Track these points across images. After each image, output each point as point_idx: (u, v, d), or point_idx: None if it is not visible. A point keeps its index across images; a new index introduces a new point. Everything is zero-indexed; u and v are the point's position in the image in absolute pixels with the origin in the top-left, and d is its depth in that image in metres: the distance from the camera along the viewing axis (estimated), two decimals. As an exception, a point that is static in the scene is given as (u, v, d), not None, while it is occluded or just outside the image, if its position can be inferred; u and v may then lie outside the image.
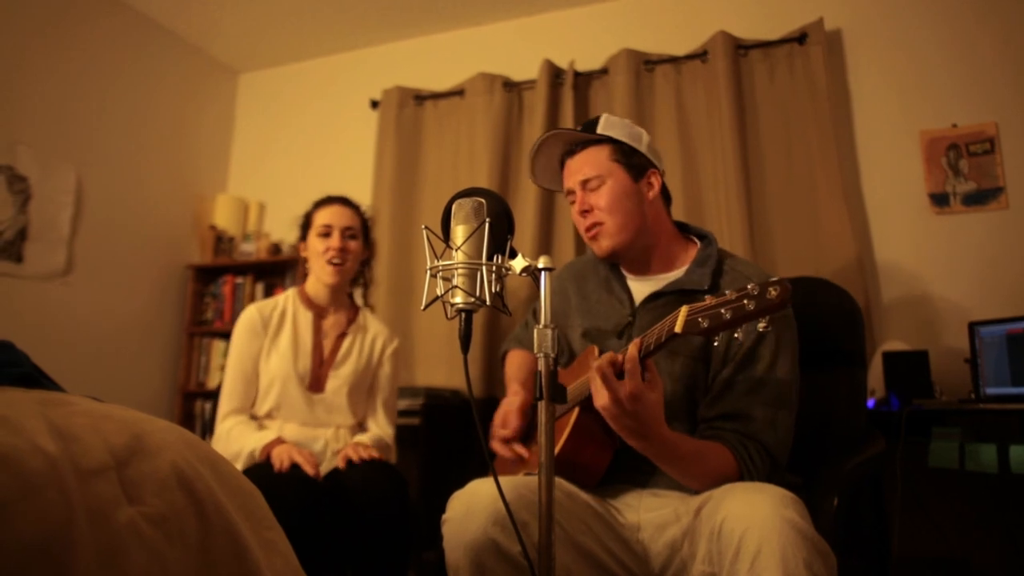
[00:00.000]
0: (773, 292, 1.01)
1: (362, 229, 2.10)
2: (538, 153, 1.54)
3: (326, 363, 2.02)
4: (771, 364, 1.35)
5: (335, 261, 2.01)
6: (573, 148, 1.51)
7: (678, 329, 1.12)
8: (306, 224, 2.10)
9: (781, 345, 1.37)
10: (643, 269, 1.53)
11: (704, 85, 2.80)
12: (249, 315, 2.03)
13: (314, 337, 2.03)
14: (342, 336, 2.07)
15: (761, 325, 1.03)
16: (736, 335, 1.07)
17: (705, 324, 1.08)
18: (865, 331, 1.81)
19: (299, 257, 2.16)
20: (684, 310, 1.13)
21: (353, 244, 2.05)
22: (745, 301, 1.03)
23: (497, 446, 1.55)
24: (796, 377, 1.39)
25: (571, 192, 1.52)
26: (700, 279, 1.44)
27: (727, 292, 1.07)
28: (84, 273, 2.97)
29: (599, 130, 1.48)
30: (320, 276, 2.04)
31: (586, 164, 1.48)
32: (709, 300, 1.09)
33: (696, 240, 1.56)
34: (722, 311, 1.06)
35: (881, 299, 2.52)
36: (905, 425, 1.98)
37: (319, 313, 2.07)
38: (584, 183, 1.48)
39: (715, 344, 1.16)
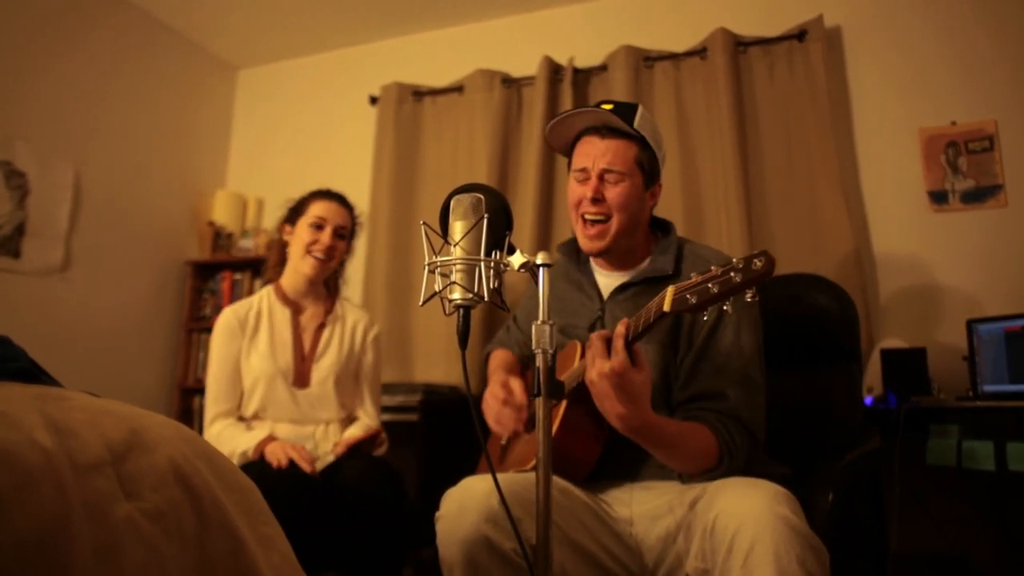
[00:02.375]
0: (758, 263, 1.02)
1: (351, 231, 2.09)
2: (564, 118, 1.47)
3: (308, 357, 2.01)
4: (734, 342, 1.37)
5: (318, 255, 2.00)
6: (604, 131, 1.45)
7: (666, 308, 1.13)
8: (297, 210, 2.06)
9: (743, 324, 1.39)
10: (617, 264, 1.54)
11: (703, 82, 2.80)
12: (225, 318, 2.01)
13: (293, 332, 2.02)
14: (321, 327, 2.05)
15: (748, 296, 1.04)
16: (726, 307, 1.08)
17: (693, 300, 1.09)
18: (863, 328, 1.82)
19: (277, 242, 2.10)
20: (671, 289, 1.13)
21: (340, 244, 2.05)
22: (732, 274, 1.04)
23: (509, 412, 1.51)
24: (760, 354, 1.41)
25: (584, 171, 1.45)
26: (664, 265, 1.46)
27: (712, 267, 1.07)
28: (82, 269, 2.97)
29: (635, 124, 1.43)
30: (299, 265, 2.02)
31: (614, 154, 1.43)
32: (696, 277, 1.10)
33: (658, 232, 1.58)
34: (709, 286, 1.07)
35: (879, 296, 2.53)
36: (903, 422, 1.99)
37: (296, 308, 2.06)
38: (606, 171, 1.43)
39: (704, 318, 1.16)
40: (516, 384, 1.54)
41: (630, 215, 1.45)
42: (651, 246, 1.55)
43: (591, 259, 1.58)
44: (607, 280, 1.54)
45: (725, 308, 1.05)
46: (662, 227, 1.59)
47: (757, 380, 1.38)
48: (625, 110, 1.43)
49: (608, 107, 1.43)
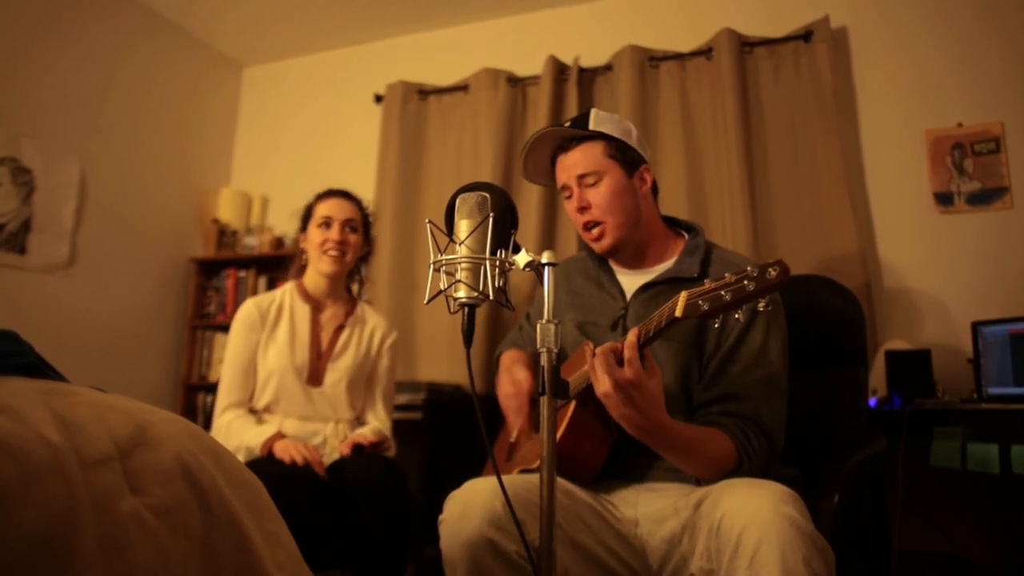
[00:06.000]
0: (772, 272, 1.02)
1: (363, 223, 2.10)
2: (530, 151, 1.54)
3: (324, 356, 2.02)
4: (762, 348, 1.37)
5: (332, 252, 2.00)
6: (565, 144, 1.51)
7: (678, 313, 1.12)
8: (307, 215, 2.09)
9: (772, 330, 1.39)
10: (636, 263, 1.55)
11: (709, 82, 2.79)
12: (247, 309, 2.03)
13: (311, 330, 2.03)
14: (340, 329, 2.06)
15: (761, 305, 1.04)
16: (737, 315, 1.08)
17: (705, 307, 1.08)
18: (867, 330, 1.81)
19: (297, 249, 2.14)
20: (684, 295, 1.13)
21: (353, 237, 2.05)
22: (745, 282, 1.04)
23: (516, 413, 1.54)
24: (786, 362, 1.41)
25: (566, 188, 1.52)
26: (690, 267, 1.46)
27: (726, 275, 1.07)
28: (87, 265, 2.97)
29: (591, 126, 1.48)
30: (318, 266, 2.04)
31: (581, 160, 1.48)
32: (708, 283, 1.10)
33: (684, 233, 1.58)
34: (722, 293, 1.06)
35: (884, 298, 2.52)
36: (907, 424, 1.98)
37: (316, 306, 2.07)
38: (581, 178, 1.48)
39: (715, 326, 1.17)
40: (522, 373, 1.56)
41: (623, 209, 1.47)
42: (677, 245, 1.55)
43: (609, 259, 1.59)
44: (629, 279, 1.54)
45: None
46: (689, 229, 1.58)
47: (781, 387, 1.37)
48: (580, 118, 1.51)
49: (567, 124, 1.51)
